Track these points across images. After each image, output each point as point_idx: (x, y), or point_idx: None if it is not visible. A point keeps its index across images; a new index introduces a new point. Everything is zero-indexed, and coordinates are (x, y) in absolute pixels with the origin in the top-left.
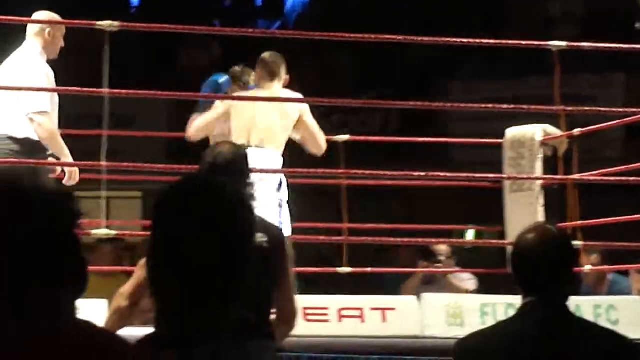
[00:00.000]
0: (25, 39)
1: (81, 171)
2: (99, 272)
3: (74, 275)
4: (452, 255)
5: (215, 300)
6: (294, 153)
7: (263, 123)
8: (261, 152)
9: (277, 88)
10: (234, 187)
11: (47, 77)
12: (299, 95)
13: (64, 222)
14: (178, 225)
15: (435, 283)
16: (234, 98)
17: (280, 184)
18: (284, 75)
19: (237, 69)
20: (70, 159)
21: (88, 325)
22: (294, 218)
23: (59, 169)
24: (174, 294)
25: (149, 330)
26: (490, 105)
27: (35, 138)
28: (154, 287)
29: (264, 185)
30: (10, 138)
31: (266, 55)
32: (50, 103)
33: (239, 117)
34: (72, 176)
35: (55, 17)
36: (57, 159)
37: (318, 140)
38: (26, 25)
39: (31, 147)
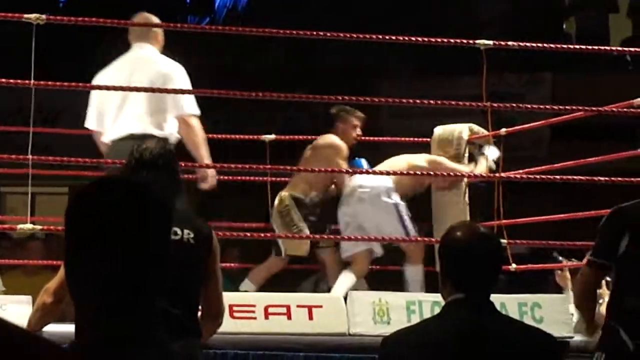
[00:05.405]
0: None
1: (8, 165)
2: (27, 268)
3: None
4: None
5: (132, 300)
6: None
7: None
8: None
9: None
10: (148, 184)
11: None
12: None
13: None
14: (88, 225)
15: None
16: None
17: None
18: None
19: None
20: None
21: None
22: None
23: None
24: (90, 294)
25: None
26: (418, 101)
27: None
28: (71, 287)
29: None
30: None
31: None
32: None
33: None
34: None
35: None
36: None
37: None
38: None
39: None
